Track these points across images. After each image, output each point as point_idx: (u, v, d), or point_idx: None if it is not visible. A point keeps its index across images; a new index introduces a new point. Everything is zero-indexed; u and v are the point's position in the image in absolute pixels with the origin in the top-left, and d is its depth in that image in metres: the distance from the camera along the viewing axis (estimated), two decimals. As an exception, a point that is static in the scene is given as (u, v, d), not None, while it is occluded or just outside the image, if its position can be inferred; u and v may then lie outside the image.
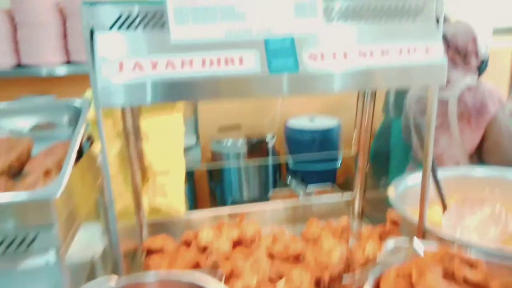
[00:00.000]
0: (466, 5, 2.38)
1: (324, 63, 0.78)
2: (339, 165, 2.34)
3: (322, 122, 2.39)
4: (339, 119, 2.42)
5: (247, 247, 1.10)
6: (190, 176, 2.41)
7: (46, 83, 2.36)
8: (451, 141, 1.54)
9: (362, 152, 1.28)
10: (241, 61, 0.75)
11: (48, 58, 2.13)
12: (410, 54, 0.81)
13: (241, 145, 2.20)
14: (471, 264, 0.84)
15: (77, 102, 0.88)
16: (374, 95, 1.21)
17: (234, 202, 2.27)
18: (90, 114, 0.88)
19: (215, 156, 2.28)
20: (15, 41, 2.11)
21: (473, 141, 1.54)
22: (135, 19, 0.72)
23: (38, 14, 2.05)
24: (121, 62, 0.72)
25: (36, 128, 0.90)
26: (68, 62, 2.20)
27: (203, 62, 0.74)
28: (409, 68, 0.81)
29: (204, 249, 1.09)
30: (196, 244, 1.10)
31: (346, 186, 2.41)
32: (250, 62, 0.75)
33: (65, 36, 2.15)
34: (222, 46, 0.75)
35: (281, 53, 0.76)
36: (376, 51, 0.80)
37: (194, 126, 2.44)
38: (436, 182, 1.06)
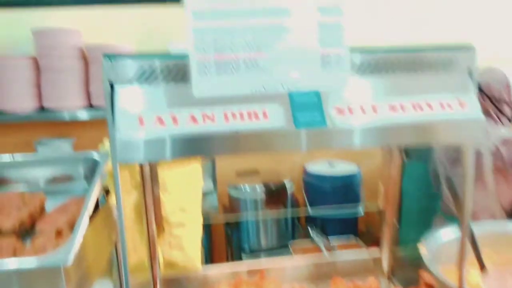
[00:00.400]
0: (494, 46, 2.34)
1: (352, 117, 0.74)
2: (361, 214, 2.25)
3: (342, 167, 2.33)
4: (358, 165, 2.36)
5: (268, 309, 1.02)
6: (206, 221, 2.35)
7: (68, 127, 2.39)
8: (486, 195, 1.45)
9: (390, 206, 1.21)
10: (265, 115, 0.72)
11: (70, 102, 2.16)
12: (444, 109, 0.76)
13: (259, 191, 2.14)
14: None
15: (95, 155, 0.86)
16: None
17: (251, 251, 2.18)
18: (107, 166, 0.85)
19: (232, 202, 2.22)
20: (38, 86, 2.15)
21: (510, 196, 1.45)
22: (155, 72, 0.70)
23: (63, 59, 2.10)
24: (141, 116, 0.69)
25: (52, 180, 0.87)
26: (90, 106, 2.22)
27: (226, 116, 0.71)
28: (442, 124, 0.76)
29: (221, 310, 1.01)
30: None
31: (368, 237, 2.31)
32: (275, 116, 0.72)
33: (87, 80, 2.19)
34: (246, 100, 0.72)
35: (307, 107, 0.73)
36: (407, 105, 0.75)
37: (211, 170, 2.40)
38: (474, 242, 0.97)
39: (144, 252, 1.13)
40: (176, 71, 0.71)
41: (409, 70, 0.77)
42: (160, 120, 0.69)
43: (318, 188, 2.23)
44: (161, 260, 1.17)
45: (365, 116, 0.74)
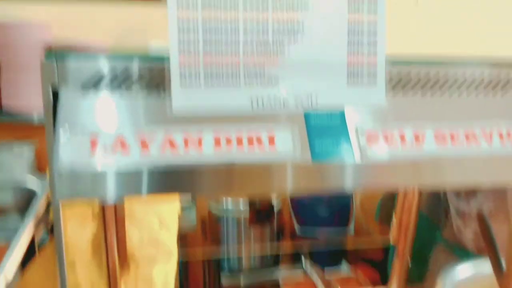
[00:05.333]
0: None
1: (387, 148, 0.55)
2: (351, 234, 2.07)
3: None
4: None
5: None
6: (182, 236, 2.13)
7: (31, 130, 2.14)
8: (508, 231, 1.29)
9: (403, 239, 1.03)
10: (271, 141, 0.52)
11: (34, 102, 1.92)
12: (503, 140, 0.58)
13: (243, 207, 1.94)
14: None
15: (31, 183, 0.64)
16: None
17: (232, 272, 1.97)
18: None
19: (212, 219, 2.01)
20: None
21: None
22: (118, 77, 0.50)
23: (26, 56, 1.86)
24: (94, 138, 0.48)
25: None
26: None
27: (217, 142, 0.51)
28: (503, 158, 0.58)
29: None
30: None
31: (355, 258, 2.14)
32: (285, 144, 0.52)
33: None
34: (246, 120, 0.52)
35: (328, 133, 0.54)
36: (458, 134, 0.57)
37: (190, 182, 2.19)
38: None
39: (104, 292, 0.91)
40: (149, 78, 0.51)
41: (461, 90, 0.59)
42: (123, 144, 0.49)
43: (306, 206, 2.04)
44: (125, 303, 0.96)
45: (405, 146, 0.55)
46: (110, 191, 0.49)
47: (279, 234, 2.02)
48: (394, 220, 1.03)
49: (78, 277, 0.91)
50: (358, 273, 1.38)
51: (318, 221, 2.02)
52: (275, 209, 1.94)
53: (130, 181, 0.50)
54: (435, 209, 1.59)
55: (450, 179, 0.57)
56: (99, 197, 0.51)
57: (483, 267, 1.06)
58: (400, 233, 1.03)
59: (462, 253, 1.39)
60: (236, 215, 1.91)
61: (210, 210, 2.02)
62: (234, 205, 1.98)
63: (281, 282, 1.37)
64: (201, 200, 2.12)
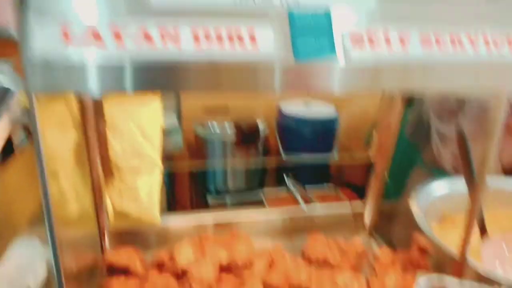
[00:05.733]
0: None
1: (372, 49, 0.53)
2: (334, 159, 2.12)
3: (319, 109, 2.16)
4: (336, 107, 2.19)
5: (237, 274, 0.88)
6: (169, 161, 2.16)
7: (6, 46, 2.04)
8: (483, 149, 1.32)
9: (382, 157, 1.06)
10: (253, 39, 0.50)
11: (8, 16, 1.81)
12: (490, 47, 0.57)
13: (229, 130, 1.94)
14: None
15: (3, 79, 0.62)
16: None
17: (219, 197, 2.03)
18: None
19: (199, 141, 2.02)
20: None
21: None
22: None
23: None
24: (66, 28, 0.46)
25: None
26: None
27: (196, 37, 0.49)
28: (488, 65, 0.57)
29: (181, 275, 0.86)
30: (172, 267, 0.87)
31: (339, 183, 2.21)
32: (267, 42, 0.51)
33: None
34: (227, 15, 0.50)
35: (312, 33, 0.52)
36: (444, 38, 0.56)
37: (175, 105, 2.16)
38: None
39: (90, 200, 0.94)
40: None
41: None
42: (96, 35, 0.46)
43: (293, 130, 2.06)
44: (110, 211, 0.99)
45: (390, 48, 0.54)
46: (82, 84, 0.47)
47: (265, 157, 2.06)
48: (374, 137, 1.04)
49: (62, 186, 0.92)
50: (338, 192, 1.43)
51: (303, 145, 2.05)
52: (261, 133, 1.95)
53: (106, 75, 0.48)
54: (417, 133, 1.62)
55: (434, 84, 0.57)
56: (75, 90, 0.50)
57: (457, 185, 1.11)
58: (379, 151, 1.05)
59: (439, 174, 1.44)
60: (222, 138, 1.93)
61: (196, 133, 2.03)
62: (221, 129, 1.99)
63: (264, 200, 1.42)
64: (187, 123, 2.12)
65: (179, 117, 2.12)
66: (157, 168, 0.97)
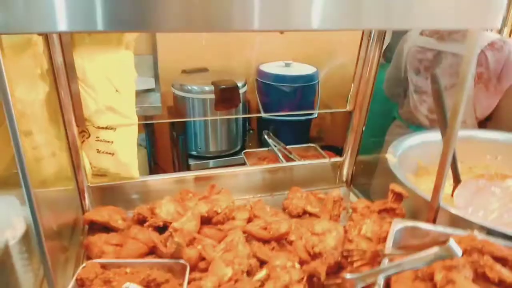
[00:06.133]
0: None
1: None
2: (314, 117, 2.13)
3: (299, 69, 2.14)
4: (316, 67, 2.18)
5: (218, 225, 0.88)
6: (148, 124, 2.13)
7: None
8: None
9: (358, 109, 1.06)
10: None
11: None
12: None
13: (208, 91, 1.91)
14: (503, 259, 0.67)
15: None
16: (382, 38, 0.96)
17: (199, 156, 2.03)
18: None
19: (178, 102, 1.99)
20: None
21: (487, 108, 1.34)
22: None
23: None
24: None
25: None
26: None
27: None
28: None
29: (163, 227, 0.86)
30: (153, 221, 0.86)
31: (319, 141, 2.23)
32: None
33: None
34: None
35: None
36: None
37: (152, 66, 2.11)
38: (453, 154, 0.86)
39: (66, 159, 0.91)
40: None
41: None
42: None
43: (272, 89, 2.05)
44: (87, 168, 0.97)
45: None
46: (54, 24, 0.45)
47: (245, 117, 2.05)
48: (352, 88, 1.04)
49: (37, 144, 0.89)
50: (318, 151, 1.44)
51: (283, 104, 2.05)
52: (241, 92, 1.92)
53: (75, 12, 0.45)
54: (395, 89, 1.63)
55: (415, 22, 0.55)
56: (39, 31, 0.47)
57: (432, 137, 1.13)
58: (356, 101, 1.05)
59: (416, 129, 1.46)
60: (201, 96, 1.89)
61: (175, 94, 1.99)
62: (199, 88, 1.95)
63: (246, 161, 1.41)
64: (165, 84, 2.08)
65: (156, 78, 2.08)
66: (132, 121, 0.94)
